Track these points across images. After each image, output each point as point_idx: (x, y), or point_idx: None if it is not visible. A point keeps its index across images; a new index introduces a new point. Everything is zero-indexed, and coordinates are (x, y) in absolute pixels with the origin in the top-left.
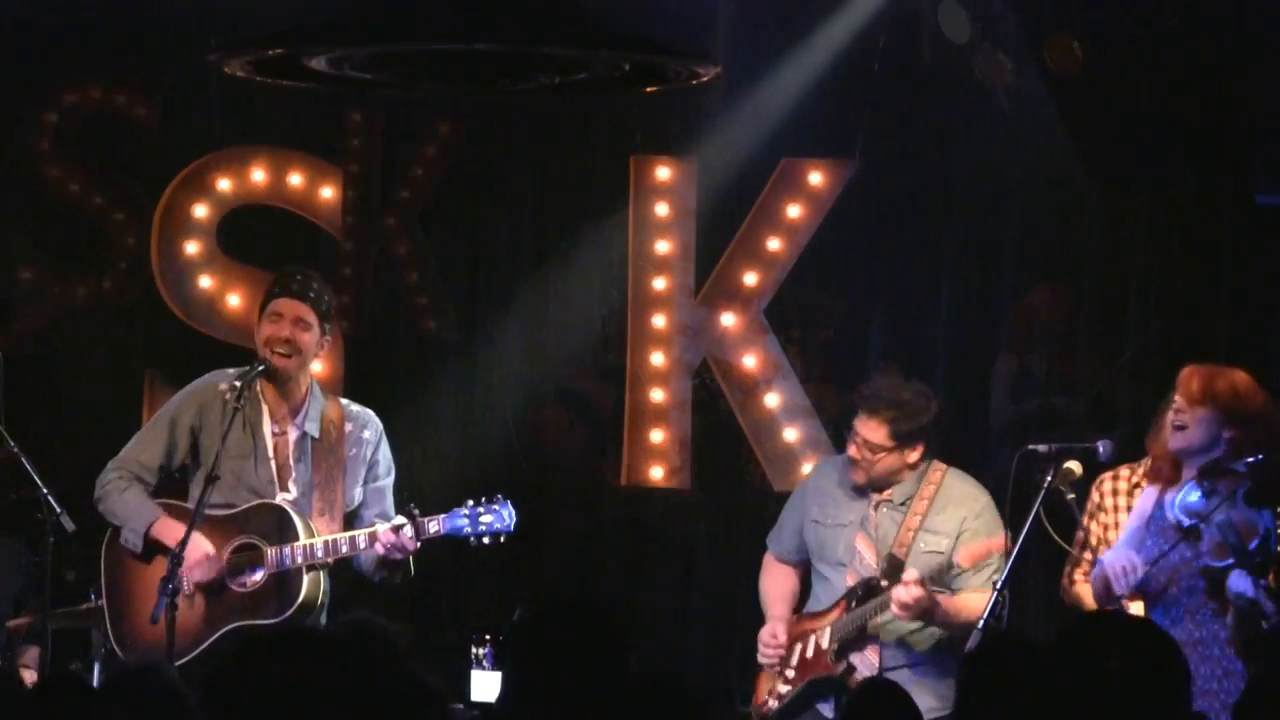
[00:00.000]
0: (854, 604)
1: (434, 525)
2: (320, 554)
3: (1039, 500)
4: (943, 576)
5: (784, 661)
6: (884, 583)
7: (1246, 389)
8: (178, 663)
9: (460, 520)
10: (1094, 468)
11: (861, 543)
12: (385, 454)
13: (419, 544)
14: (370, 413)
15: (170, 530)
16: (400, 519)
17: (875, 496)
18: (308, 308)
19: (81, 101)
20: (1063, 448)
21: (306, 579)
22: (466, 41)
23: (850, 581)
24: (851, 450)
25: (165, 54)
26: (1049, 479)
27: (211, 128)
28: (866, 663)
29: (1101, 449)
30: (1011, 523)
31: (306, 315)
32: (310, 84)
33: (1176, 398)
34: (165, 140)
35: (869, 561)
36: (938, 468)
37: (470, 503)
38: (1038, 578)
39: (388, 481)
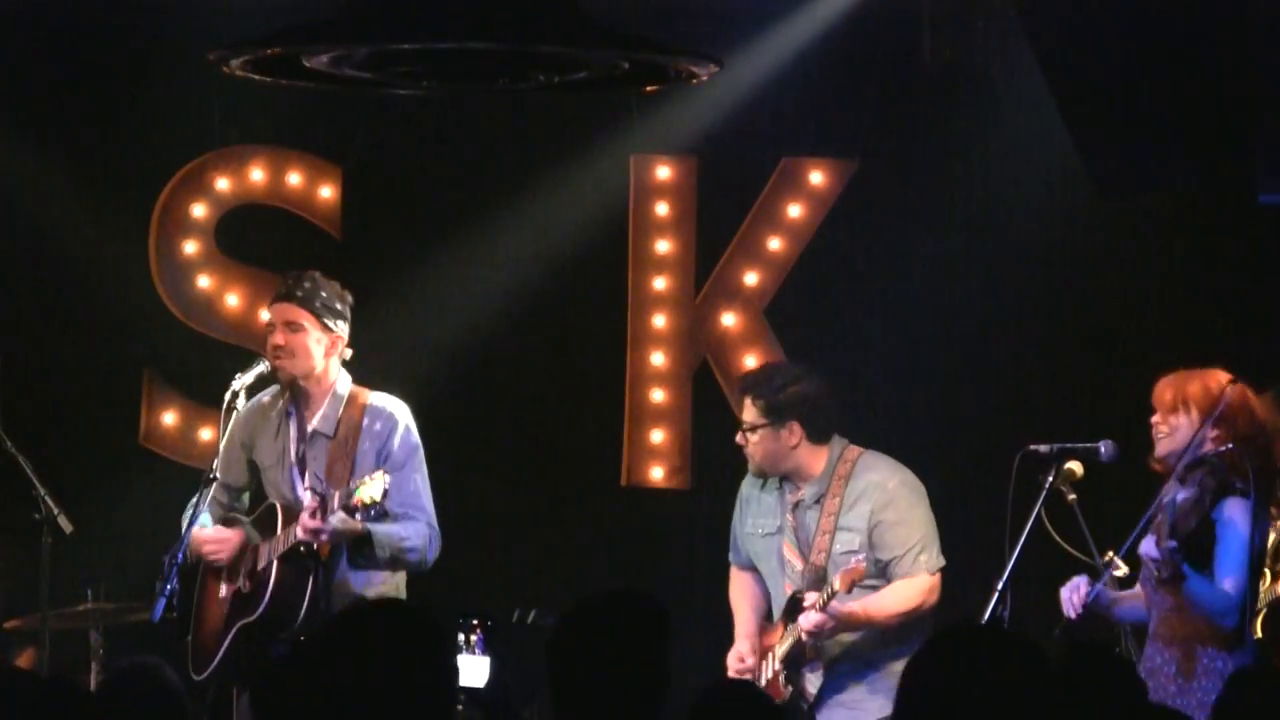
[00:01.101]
0: (789, 621)
1: (332, 502)
2: (281, 546)
3: (1040, 501)
4: (867, 574)
5: (753, 675)
6: (808, 595)
7: (1218, 386)
8: (209, 668)
9: (348, 494)
10: (1095, 468)
11: (788, 550)
12: (401, 442)
13: (326, 523)
14: (393, 403)
15: (201, 534)
16: (313, 501)
17: (791, 498)
18: (295, 308)
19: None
20: (1064, 448)
21: (275, 571)
22: (466, 40)
23: (788, 592)
24: (738, 438)
25: (163, 53)
26: (1050, 479)
27: (210, 127)
28: (812, 682)
29: (1103, 449)
30: (1013, 524)
31: (295, 317)
32: (309, 83)
33: (1154, 411)
34: (163, 139)
35: (799, 569)
36: (847, 458)
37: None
38: (1039, 580)
39: (408, 468)
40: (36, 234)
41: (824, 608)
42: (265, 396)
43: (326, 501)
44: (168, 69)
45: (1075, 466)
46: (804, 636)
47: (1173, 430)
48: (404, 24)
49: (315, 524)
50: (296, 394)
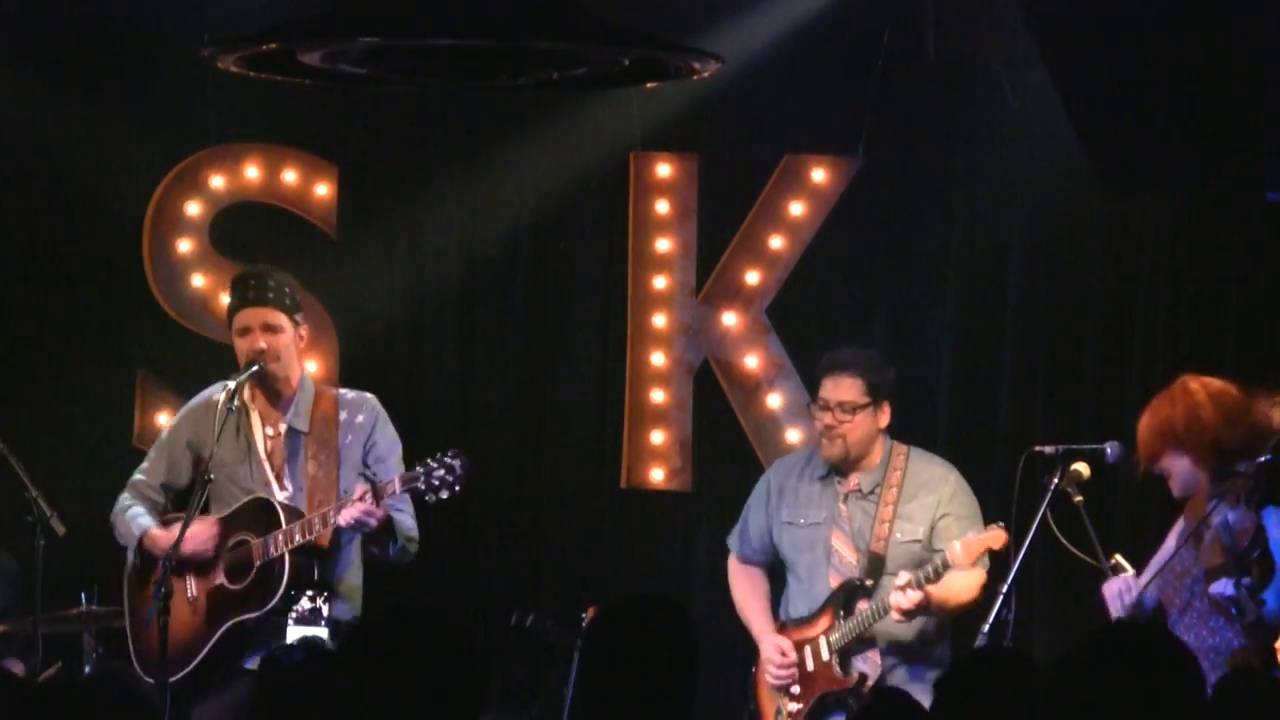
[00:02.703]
0: (840, 609)
1: (391, 486)
2: (299, 537)
3: (1046, 503)
4: (925, 563)
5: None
6: (868, 582)
7: (1170, 420)
8: (186, 669)
9: (415, 479)
10: (1102, 469)
11: (838, 540)
12: (384, 434)
13: (381, 507)
14: (366, 396)
15: (157, 540)
16: (361, 487)
17: (841, 489)
18: (270, 310)
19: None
20: (1070, 449)
21: (289, 565)
22: (464, 36)
23: (834, 583)
24: (826, 419)
25: (156, 48)
26: (1056, 481)
27: (204, 124)
28: (872, 666)
29: (1110, 451)
30: (1018, 526)
31: (272, 318)
32: (305, 79)
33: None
34: (157, 136)
35: (848, 560)
36: (900, 451)
37: (426, 460)
38: (1045, 583)
39: (391, 460)
40: (28, 232)
41: (922, 585)
42: (215, 394)
43: (378, 487)
44: (161, 65)
45: (1081, 468)
46: (896, 616)
47: (1169, 472)
48: (401, 19)
49: (374, 508)
50: (265, 391)
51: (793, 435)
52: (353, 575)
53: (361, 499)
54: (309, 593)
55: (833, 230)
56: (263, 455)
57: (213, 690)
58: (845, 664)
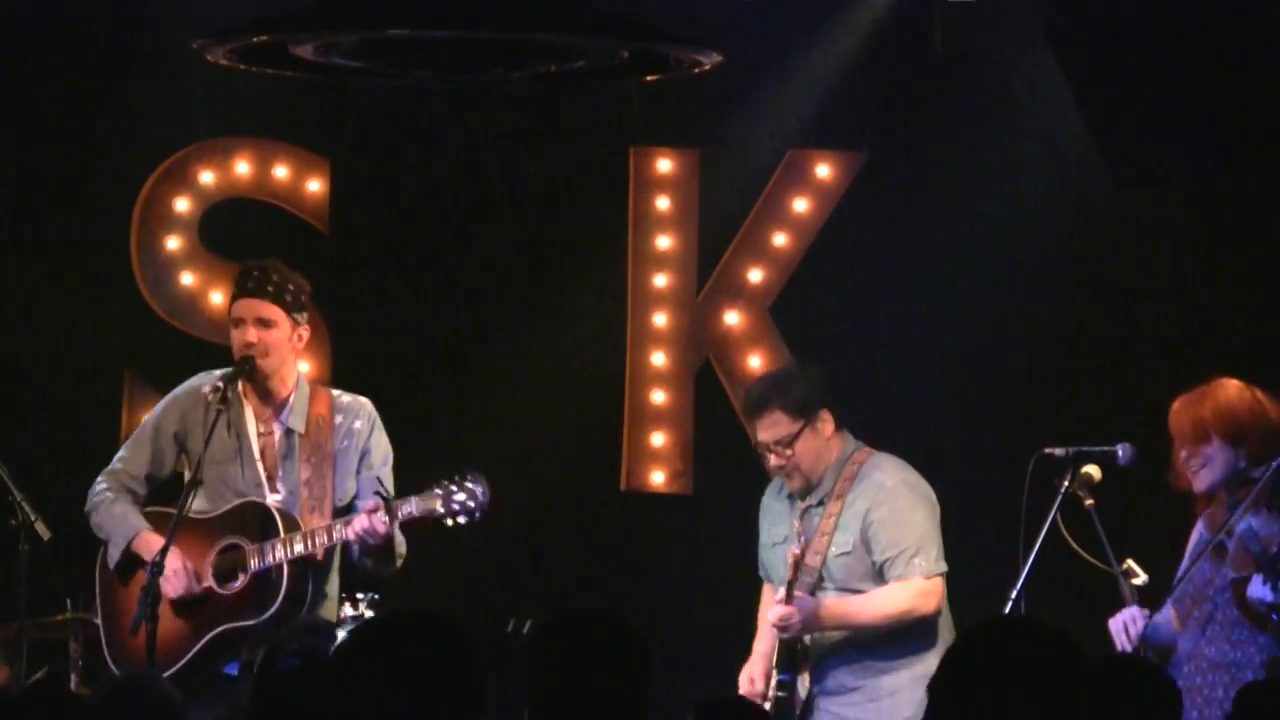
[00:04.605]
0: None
1: (407, 507)
2: (300, 549)
3: (1055, 506)
4: (862, 577)
5: (763, 699)
6: (778, 590)
7: (1230, 404)
8: (165, 674)
9: (433, 500)
10: (1113, 472)
11: (794, 558)
12: (379, 442)
13: (392, 527)
14: (363, 401)
15: (149, 544)
16: (373, 502)
17: (800, 504)
18: (267, 303)
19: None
20: (1080, 451)
21: (288, 575)
22: (460, 28)
23: None
24: (772, 461)
25: (144, 41)
26: (1066, 484)
27: (194, 118)
28: (802, 686)
29: (1121, 452)
30: (1027, 529)
31: (267, 312)
32: (297, 72)
33: (1178, 446)
34: (145, 131)
35: (803, 577)
36: (856, 460)
37: (445, 481)
38: (1053, 587)
39: (384, 470)
40: (14, 230)
41: (787, 600)
42: (205, 387)
43: (391, 505)
44: (149, 57)
45: (1092, 470)
46: (777, 631)
47: (1207, 460)
48: (395, 11)
49: (385, 528)
50: (258, 388)
51: None
52: (330, 584)
53: (373, 512)
54: (357, 595)
55: (837, 227)
56: (256, 454)
57: (197, 696)
58: (786, 683)
